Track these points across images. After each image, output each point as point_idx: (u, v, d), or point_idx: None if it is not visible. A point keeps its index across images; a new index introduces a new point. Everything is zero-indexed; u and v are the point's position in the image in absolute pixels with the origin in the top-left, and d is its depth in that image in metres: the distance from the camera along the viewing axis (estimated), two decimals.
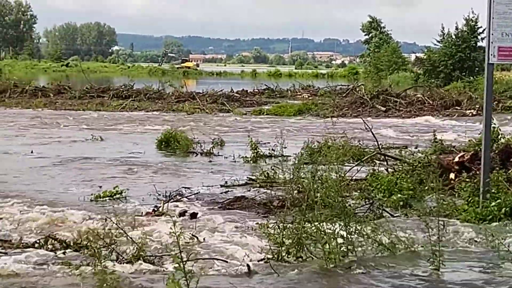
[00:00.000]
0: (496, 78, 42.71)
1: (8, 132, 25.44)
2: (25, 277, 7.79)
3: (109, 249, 8.68)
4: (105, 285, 6.21)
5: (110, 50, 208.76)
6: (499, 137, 14.58)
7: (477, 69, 59.03)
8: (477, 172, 12.05)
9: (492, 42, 10.90)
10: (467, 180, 12.10)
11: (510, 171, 12.07)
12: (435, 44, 66.53)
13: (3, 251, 9.10)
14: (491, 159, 12.06)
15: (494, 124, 13.78)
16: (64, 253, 9.03)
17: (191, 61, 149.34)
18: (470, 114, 32.36)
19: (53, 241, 9.52)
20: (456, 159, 13.28)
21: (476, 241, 9.28)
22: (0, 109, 35.69)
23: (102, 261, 6.79)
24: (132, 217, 11.10)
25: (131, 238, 9.01)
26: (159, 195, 13.43)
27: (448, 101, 35.13)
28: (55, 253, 9.06)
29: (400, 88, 44.16)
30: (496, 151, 13.08)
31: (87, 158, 18.55)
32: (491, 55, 10.93)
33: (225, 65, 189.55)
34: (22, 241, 9.78)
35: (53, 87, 44.27)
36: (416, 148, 18.35)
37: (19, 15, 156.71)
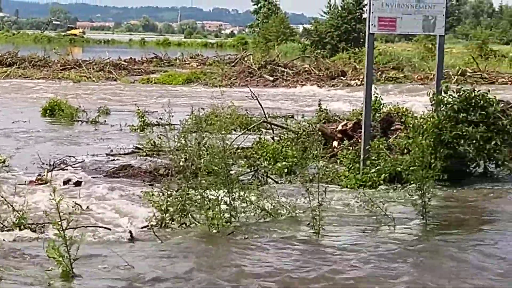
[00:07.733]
0: (381, 50, 43.63)
1: None
2: None
3: None
4: None
5: None
6: (381, 106, 14.90)
7: (362, 40, 59.82)
8: (359, 140, 12.37)
9: (372, 12, 11.20)
10: (349, 148, 12.42)
11: (390, 139, 12.42)
12: (322, 16, 67.87)
13: None
14: (373, 128, 12.44)
15: (377, 94, 14.13)
16: None
17: (78, 29, 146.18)
18: (355, 84, 32.96)
19: None
20: (339, 128, 13.58)
21: (355, 206, 9.51)
22: None
23: None
24: (14, 186, 10.89)
25: (11, 205, 8.84)
26: (43, 163, 13.18)
27: (333, 72, 35.67)
28: None
29: (288, 58, 44.66)
30: (378, 120, 13.43)
31: None
32: (372, 25, 11.24)
33: (113, 33, 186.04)
34: None
35: None
36: (302, 117, 18.62)
37: None
